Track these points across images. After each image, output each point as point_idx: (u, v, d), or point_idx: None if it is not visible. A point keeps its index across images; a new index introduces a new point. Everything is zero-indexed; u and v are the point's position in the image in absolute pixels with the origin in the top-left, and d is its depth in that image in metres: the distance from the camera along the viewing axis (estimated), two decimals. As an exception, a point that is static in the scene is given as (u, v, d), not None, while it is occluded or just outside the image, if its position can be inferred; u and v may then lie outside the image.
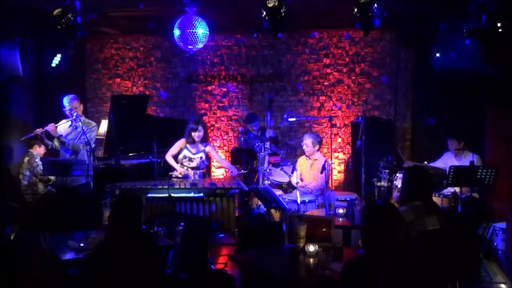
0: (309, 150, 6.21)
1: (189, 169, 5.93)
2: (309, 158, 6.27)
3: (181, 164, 5.94)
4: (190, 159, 5.92)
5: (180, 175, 5.88)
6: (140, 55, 8.44)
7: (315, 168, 6.12)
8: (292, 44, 8.18)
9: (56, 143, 5.81)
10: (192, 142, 5.91)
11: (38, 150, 6.53)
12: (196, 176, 5.94)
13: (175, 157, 5.98)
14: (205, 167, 6.13)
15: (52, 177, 6.37)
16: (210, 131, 8.39)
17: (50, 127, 5.57)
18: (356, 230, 4.59)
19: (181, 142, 5.97)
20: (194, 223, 4.95)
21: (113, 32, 8.06)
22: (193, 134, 5.87)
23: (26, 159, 6.51)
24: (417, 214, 3.56)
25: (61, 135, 5.62)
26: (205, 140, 6.00)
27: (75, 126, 5.81)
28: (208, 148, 6.03)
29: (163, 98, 8.46)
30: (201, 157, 5.94)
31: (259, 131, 7.00)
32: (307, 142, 6.19)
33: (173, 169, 5.96)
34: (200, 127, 5.88)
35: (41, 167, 6.31)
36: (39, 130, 5.51)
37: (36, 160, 6.46)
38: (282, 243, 4.09)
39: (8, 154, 6.68)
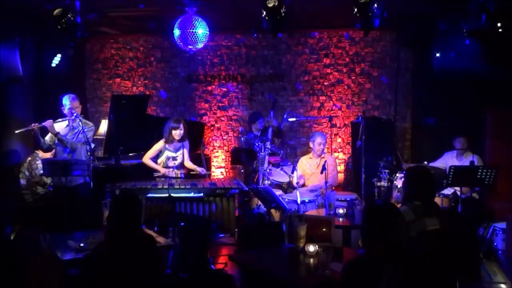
0: (321, 149, 6.42)
1: (174, 169, 5.92)
2: (317, 157, 6.41)
3: (166, 166, 5.93)
4: (174, 158, 5.91)
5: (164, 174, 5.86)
6: (140, 55, 8.44)
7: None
8: (292, 44, 8.18)
9: (49, 141, 5.78)
10: (171, 141, 5.90)
11: (43, 153, 6.49)
12: (181, 174, 5.96)
13: (154, 160, 5.97)
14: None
15: (48, 181, 6.35)
16: (210, 131, 8.39)
17: (48, 123, 5.56)
18: (356, 230, 4.59)
19: (160, 145, 5.94)
20: (194, 223, 4.95)
21: (113, 32, 8.05)
22: (173, 132, 5.84)
23: (29, 159, 6.48)
24: (417, 214, 3.57)
25: (58, 133, 5.62)
26: (184, 138, 5.96)
27: (72, 126, 5.80)
28: (186, 144, 6.00)
29: (163, 98, 8.46)
30: (182, 153, 5.94)
31: (263, 131, 7.01)
32: (322, 141, 6.41)
33: (154, 171, 5.94)
34: (180, 125, 5.87)
35: (40, 170, 6.28)
36: (35, 125, 5.49)
37: (37, 162, 6.41)
38: (282, 243, 4.09)
39: (9, 154, 6.66)
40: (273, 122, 7.06)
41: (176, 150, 5.93)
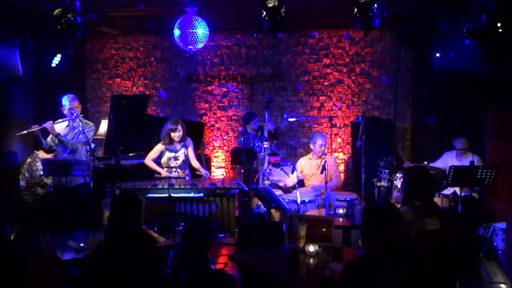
0: (322, 151, 6.40)
1: (177, 169, 5.92)
2: (317, 158, 6.39)
3: (168, 166, 5.92)
4: (176, 158, 5.91)
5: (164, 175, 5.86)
6: (140, 55, 8.44)
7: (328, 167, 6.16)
8: (292, 44, 8.18)
9: (50, 141, 5.78)
10: (169, 143, 5.87)
11: (43, 153, 6.47)
12: (186, 176, 5.96)
13: (157, 161, 5.97)
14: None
15: (49, 181, 6.35)
16: (210, 131, 8.39)
17: (48, 124, 5.56)
18: (356, 230, 4.59)
19: (160, 146, 5.92)
20: (194, 223, 4.95)
21: (113, 32, 8.05)
22: (172, 134, 5.81)
23: (29, 160, 6.47)
24: (417, 214, 3.57)
25: (59, 134, 5.62)
26: (184, 139, 5.93)
27: (72, 127, 5.80)
28: (188, 143, 5.97)
29: (163, 98, 8.46)
30: (184, 153, 5.94)
31: (258, 131, 7.00)
32: (323, 143, 6.39)
33: (156, 172, 5.94)
34: (179, 127, 5.83)
35: (40, 171, 6.27)
36: (35, 127, 5.48)
37: (37, 163, 6.39)
38: (282, 243, 4.09)
39: (9, 154, 6.66)
40: (268, 125, 7.05)
41: (177, 150, 5.93)
